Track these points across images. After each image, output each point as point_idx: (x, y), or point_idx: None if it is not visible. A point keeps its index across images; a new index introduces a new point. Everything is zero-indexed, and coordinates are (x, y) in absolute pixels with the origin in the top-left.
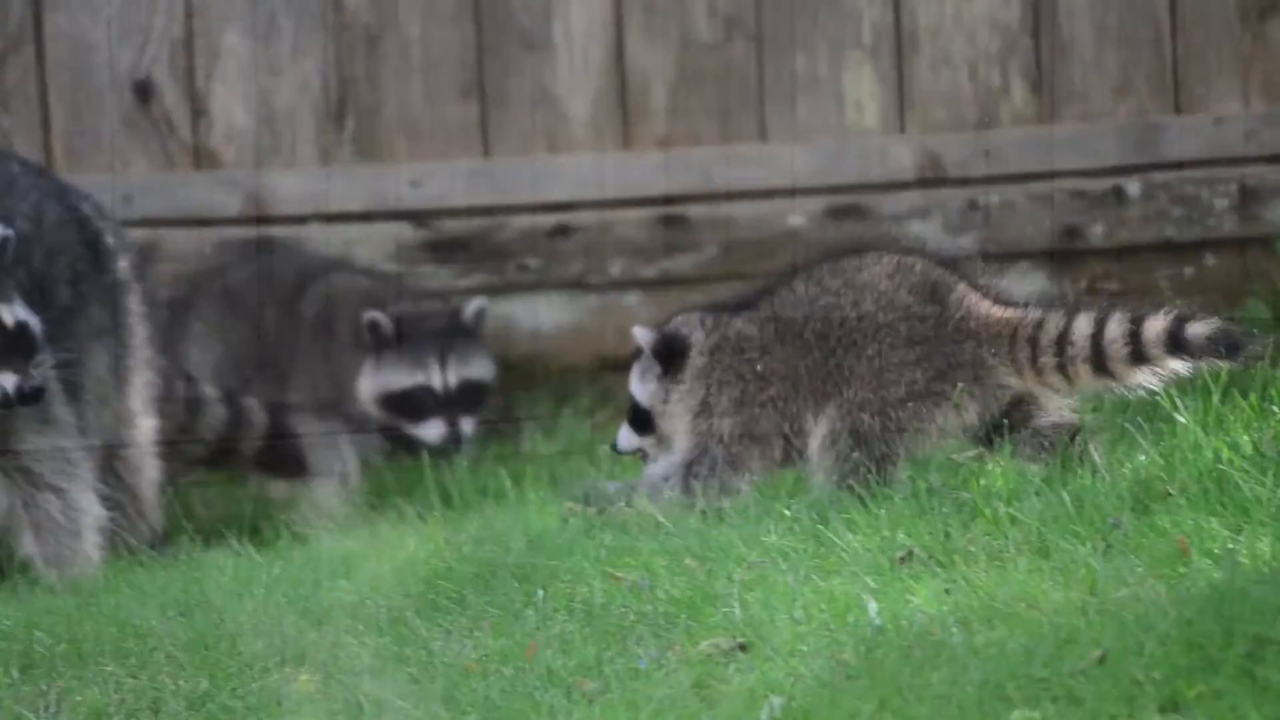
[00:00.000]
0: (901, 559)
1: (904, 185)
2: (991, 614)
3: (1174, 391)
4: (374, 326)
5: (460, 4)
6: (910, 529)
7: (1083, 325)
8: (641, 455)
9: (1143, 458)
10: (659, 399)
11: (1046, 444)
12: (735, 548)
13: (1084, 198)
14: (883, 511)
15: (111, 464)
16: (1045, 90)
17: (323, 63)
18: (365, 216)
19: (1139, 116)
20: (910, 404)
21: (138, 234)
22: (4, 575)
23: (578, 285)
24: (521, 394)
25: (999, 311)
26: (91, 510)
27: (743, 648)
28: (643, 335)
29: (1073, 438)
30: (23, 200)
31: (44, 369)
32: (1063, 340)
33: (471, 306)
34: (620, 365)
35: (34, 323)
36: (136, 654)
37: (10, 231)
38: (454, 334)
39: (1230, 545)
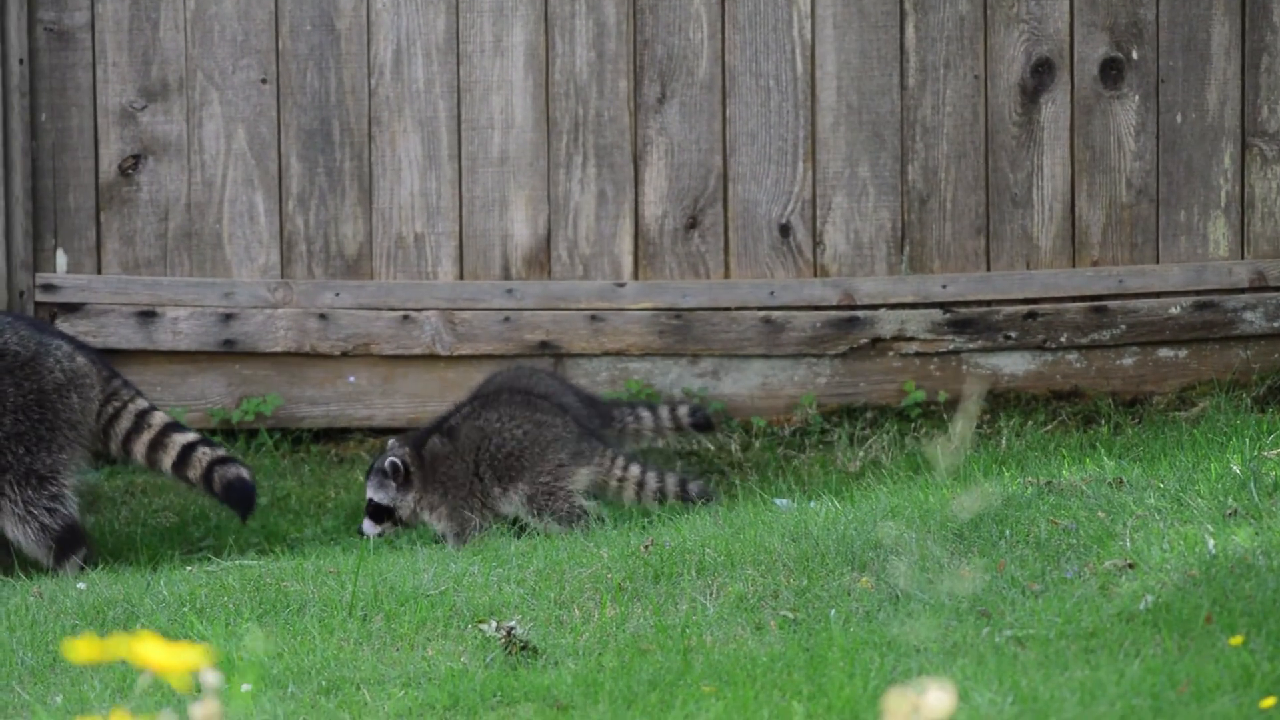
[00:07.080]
0: (1229, 514)
1: (1241, 290)
2: None
3: None
4: None
5: (976, 178)
6: (1236, 497)
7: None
8: None
9: None
10: None
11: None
12: (1129, 507)
13: None
14: (1219, 485)
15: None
16: None
17: (893, 214)
18: (913, 305)
19: None
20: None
21: (777, 315)
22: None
23: (1040, 348)
24: (1001, 413)
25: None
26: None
27: (1130, 566)
28: None
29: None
30: None
31: None
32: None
33: None
34: (1060, 395)
35: None
36: (765, 563)
37: None
38: None
39: None
